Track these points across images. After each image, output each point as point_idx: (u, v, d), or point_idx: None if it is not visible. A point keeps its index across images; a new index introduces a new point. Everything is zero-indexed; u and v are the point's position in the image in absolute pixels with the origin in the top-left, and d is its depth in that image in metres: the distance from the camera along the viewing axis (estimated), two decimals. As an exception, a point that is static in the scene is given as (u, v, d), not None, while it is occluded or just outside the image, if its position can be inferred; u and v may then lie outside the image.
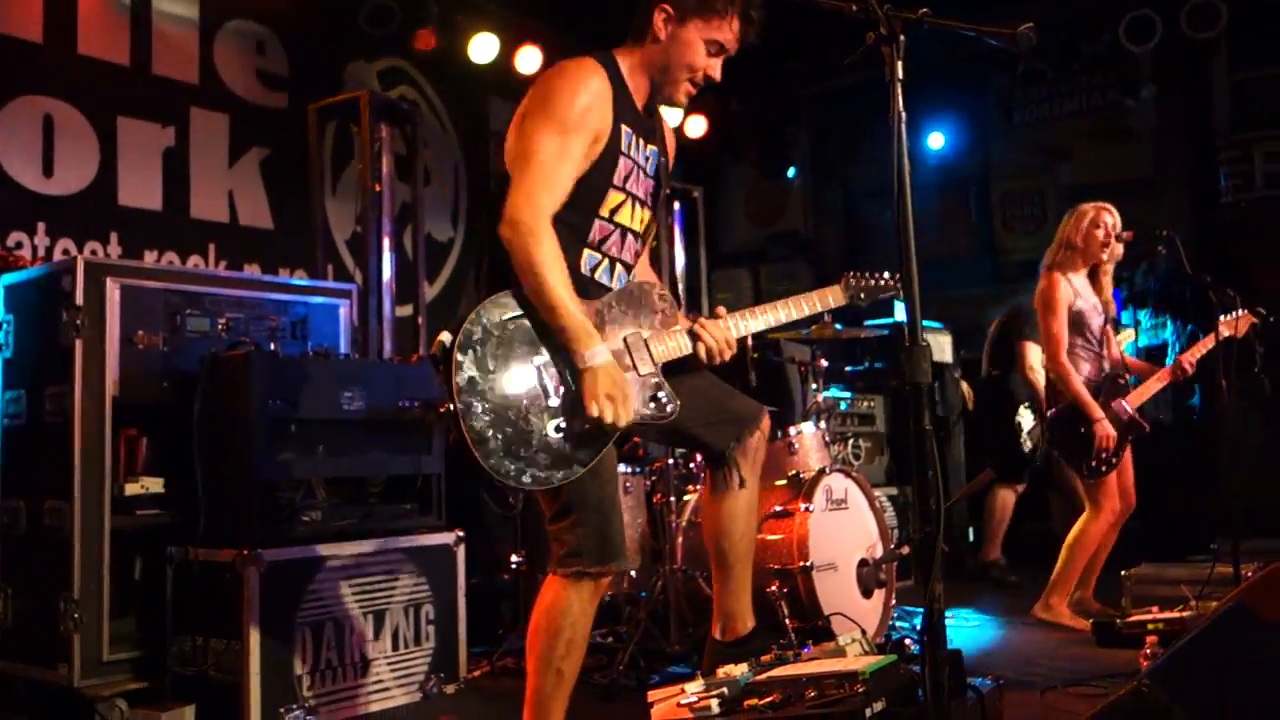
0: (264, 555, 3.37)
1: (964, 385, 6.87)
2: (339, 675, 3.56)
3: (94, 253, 5.24)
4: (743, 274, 9.23)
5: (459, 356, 2.40)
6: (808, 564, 3.99)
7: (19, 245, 5.04)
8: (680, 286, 7.37)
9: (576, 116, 2.50)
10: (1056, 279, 4.71)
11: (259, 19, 6.08)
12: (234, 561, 3.37)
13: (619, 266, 2.69)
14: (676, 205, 7.41)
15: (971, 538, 6.84)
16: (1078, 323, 4.72)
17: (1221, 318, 4.89)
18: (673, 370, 2.71)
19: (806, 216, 9.55)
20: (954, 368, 6.96)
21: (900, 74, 2.02)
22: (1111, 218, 4.77)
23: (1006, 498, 6.12)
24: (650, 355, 2.63)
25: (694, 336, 2.72)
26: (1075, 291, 4.72)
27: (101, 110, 5.38)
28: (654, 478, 4.51)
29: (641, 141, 2.68)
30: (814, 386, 5.06)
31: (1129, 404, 4.69)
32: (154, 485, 3.65)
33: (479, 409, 2.39)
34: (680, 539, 4.30)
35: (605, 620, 4.75)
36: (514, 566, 4.39)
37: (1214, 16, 6.72)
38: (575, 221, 2.57)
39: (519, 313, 2.49)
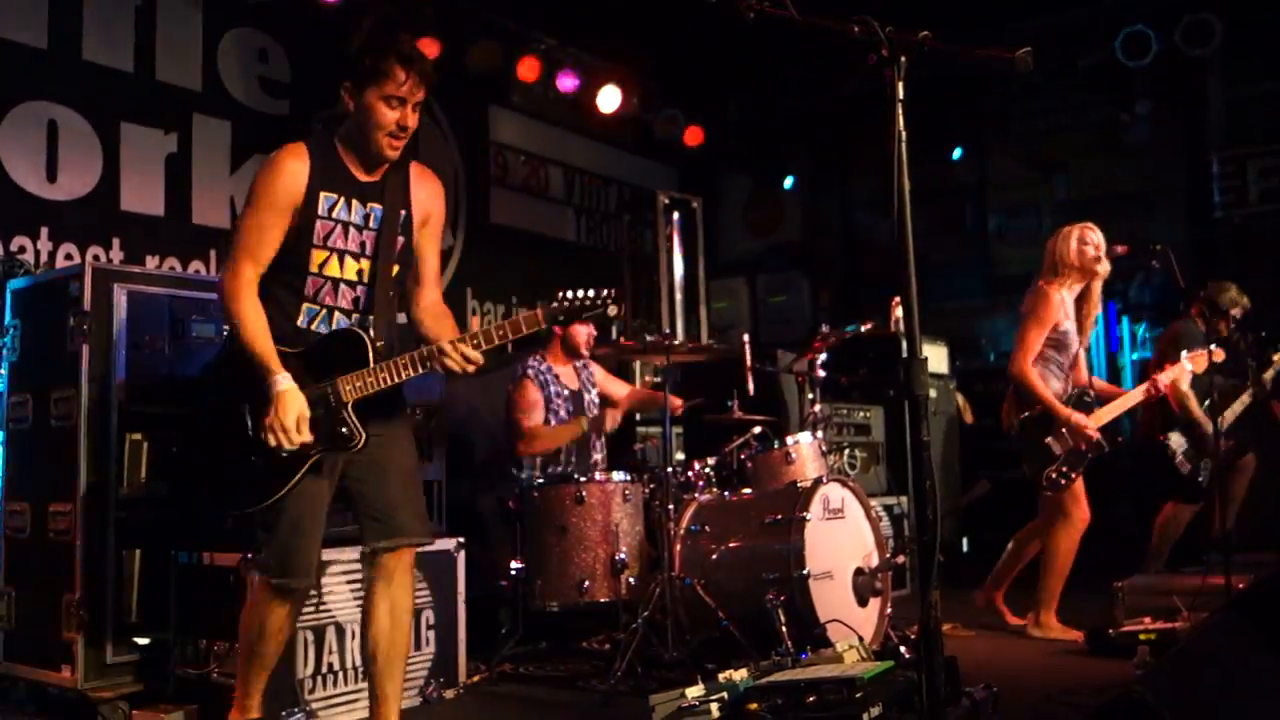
0: (267, 559, 3.39)
1: (959, 397, 6.92)
2: (340, 679, 3.59)
3: (96, 258, 5.27)
4: (740, 284, 9.27)
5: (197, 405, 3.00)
6: (804, 572, 4.02)
7: (22, 250, 5.07)
8: (678, 296, 7.42)
9: (268, 196, 2.93)
10: (1053, 294, 4.76)
11: (262, 27, 6.12)
12: (238, 565, 3.40)
13: (338, 314, 3.00)
14: (675, 215, 7.46)
15: (966, 548, 6.89)
16: (1061, 342, 4.78)
17: (1185, 353, 4.98)
18: (389, 437, 3.01)
19: (804, 227, 9.61)
20: (950, 379, 7.01)
21: (901, 94, 2.07)
22: (1096, 235, 4.82)
23: (1181, 514, 5.80)
24: (339, 392, 2.88)
25: (440, 355, 2.89)
26: (1065, 311, 4.78)
27: (105, 116, 5.42)
28: (653, 485, 4.54)
29: (355, 202, 3.00)
30: (811, 397, 5.10)
31: (1094, 423, 4.74)
32: (158, 489, 3.69)
33: (200, 445, 2.97)
34: (678, 546, 4.34)
35: (603, 627, 4.79)
36: (513, 573, 4.42)
37: (1209, 33, 6.80)
38: (290, 280, 2.96)
39: (237, 364, 2.93)
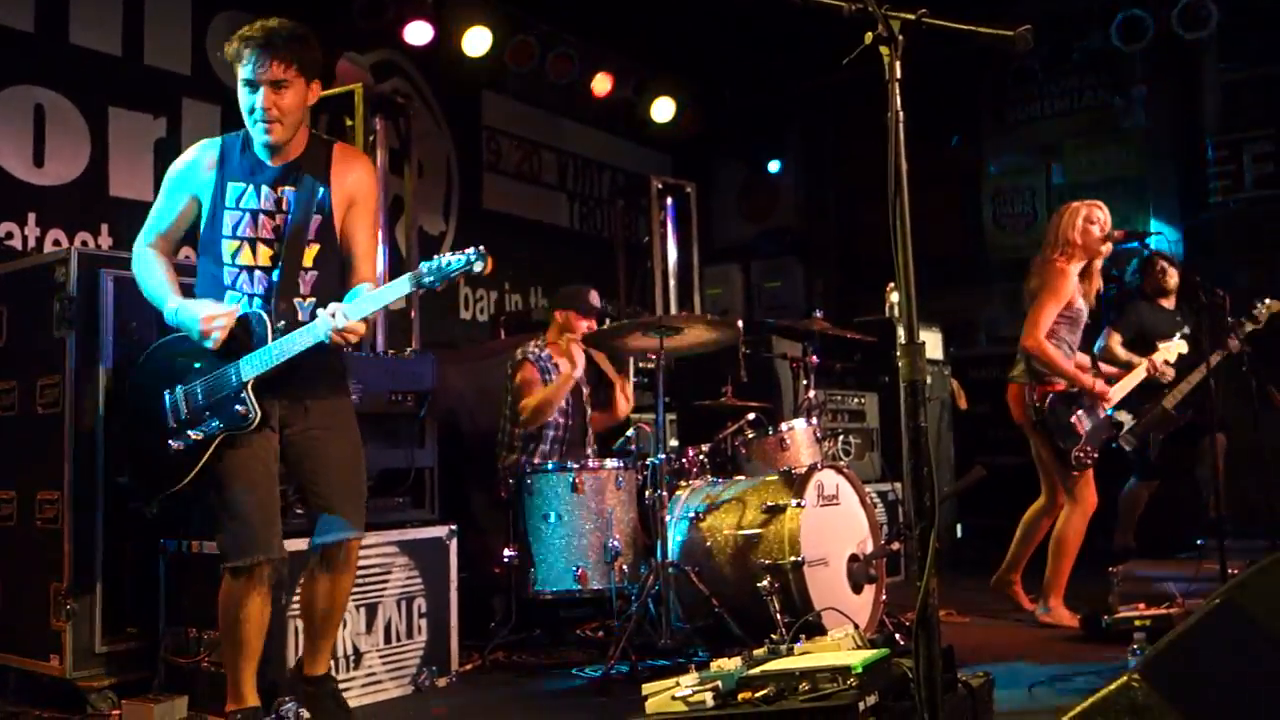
0: (257, 547, 3.36)
1: (954, 383, 6.90)
2: (332, 668, 3.56)
3: (84, 243, 5.23)
4: (734, 270, 9.23)
5: (131, 381, 3.18)
6: (799, 559, 4.00)
7: (9, 236, 5.03)
8: (672, 282, 7.39)
9: (171, 182, 3.13)
10: (1068, 270, 4.70)
11: (251, 10, 6.03)
12: (227, 554, 3.37)
13: (255, 300, 3.06)
14: (669, 201, 7.42)
15: (960, 534, 6.88)
16: (1074, 319, 4.74)
17: (1177, 336, 4.98)
18: (332, 432, 3.11)
19: (798, 212, 9.57)
20: (944, 365, 6.99)
21: (898, 74, 2.03)
22: (1103, 214, 4.79)
23: (1138, 491, 5.96)
24: (240, 371, 2.97)
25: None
26: (1078, 288, 4.74)
27: (93, 100, 5.37)
28: (646, 473, 4.52)
29: (266, 189, 3.07)
30: (805, 383, 5.07)
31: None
32: (147, 477, 3.64)
33: (128, 429, 3.12)
34: (672, 533, 4.31)
35: (597, 615, 4.77)
36: (506, 560, 4.40)
37: (1205, 16, 6.76)
38: (214, 271, 3.07)
39: (154, 346, 3.16)
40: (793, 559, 4.01)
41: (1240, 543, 4.86)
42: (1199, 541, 5.17)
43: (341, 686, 3.44)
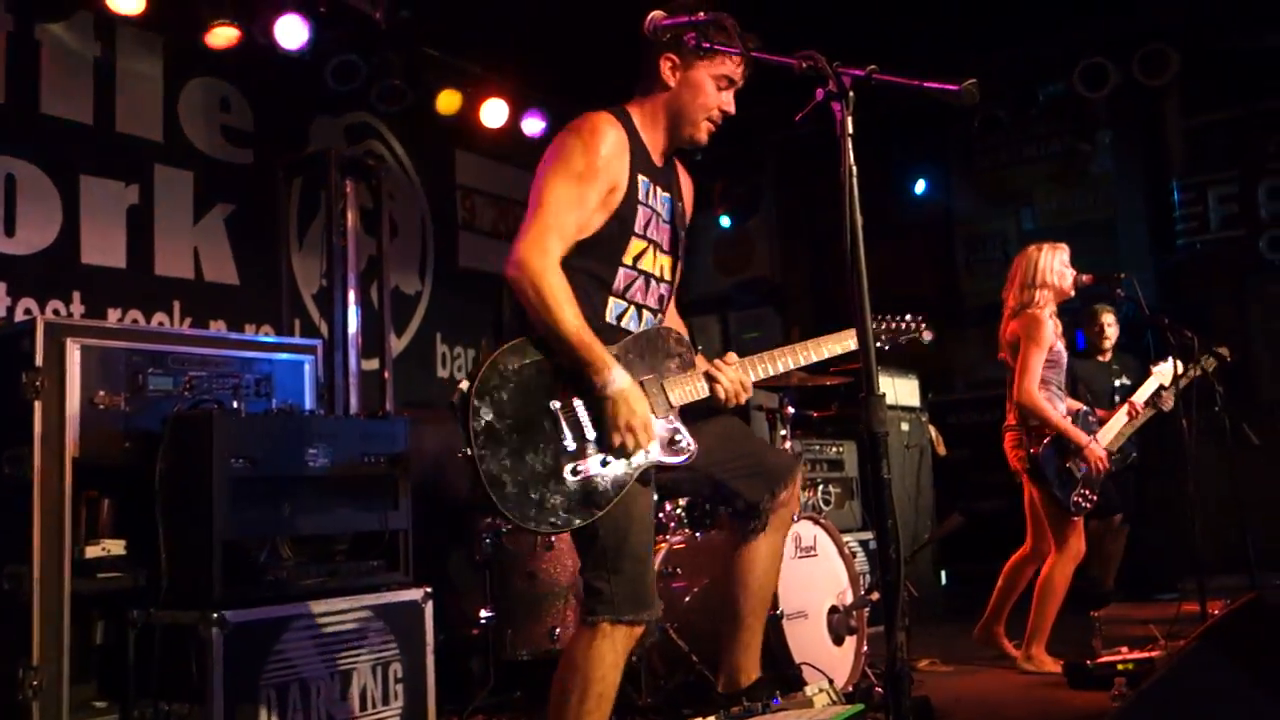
0: (228, 617, 3.32)
1: (932, 430, 6.91)
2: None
3: (56, 312, 5.20)
4: (711, 321, 9.27)
5: (475, 402, 2.46)
6: (777, 612, 3.97)
7: (-20, 305, 5.00)
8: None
9: (592, 167, 2.58)
10: (1043, 317, 4.73)
11: (223, 75, 6.10)
12: (197, 624, 3.32)
13: (645, 312, 2.76)
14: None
15: (943, 581, 6.85)
16: (1056, 362, 4.76)
17: (1152, 368, 5.01)
18: (702, 415, 2.75)
19: (773, 263, 9.63)
20: (922, 411, 7.01)
21: (850, 129, 2.06)
22: (1066, 254, 4.85)
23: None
24: (667, 399, 2.65)
25: (710, 379, 2.74)
26: (1056, 332, 4.78)
27: (64, 169, 5.37)
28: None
29: (658, 189, 2.77)
30: (782, 433, 5.07)
31: (1100, 443, 4.74)
32: (115, 547, 3.61)
33: (496, 453, 2.44)
34: (650, 590, 4.28)
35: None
36: (483, 621, 4.35)
37: (1165, 63, 6.88)
38: (599, 271, 2.66)
39: (537, 357, 2.55)
40: (772, 613, 3.98)
41: (1220, 580, 4.85)
42: (1180, 584, 5.16)
43: (315, 757, 3.38)
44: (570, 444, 2.50)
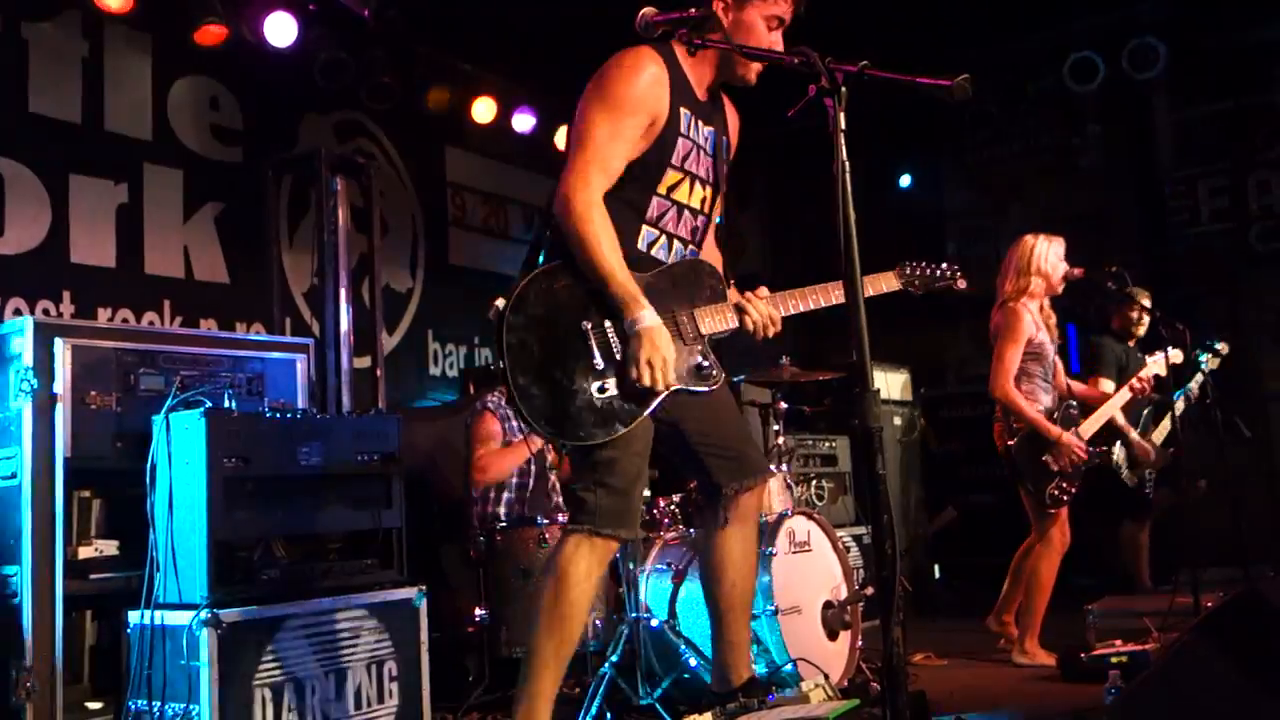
0: (221, 616, 3.31)
1: (923, 423, 6.92)
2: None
3: (46, 312, 5.17)
4: (702, 317, 9.26)
5: (511, 318, 2.60)
6: (772, 608, 3.98)
7: (-32, 306, 4.98)
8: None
9: (632, 99, 2.65)
10: (1021, 310, 4.75)
11: (212, 74, 6.07)
12: (190, 624, 3.31)
13: (676, 242, 2.82)
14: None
15: (937, 575, 6.86)
16: (1038, 354, 4.77)
17: (1147, 359, 5.02)
18: (706, 392, 2.79)
19: (766, 257, 9.63)
20: (914, 406, 7.01)
21: (843, 124, 2.06)
22: (1061, 247, 4.86)
23: (1133, 532, 5.99)
24: (697, 328, 2.73)
25: (740, 311, 2.81)
26: (1036, 323, 4.78)
27: (53, 168, 5.34)
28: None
29: (700, 123, 2.79)
30: (775, 428, 5.07)
31: (1082, 434, 4.75)
32: (108, 548, 3.60)
33: (526, 367, 2.58)
34: (646, 586, 4.28)
35: (571, 671, 4.70)
36: (477, 619, 4.34)
37: (1153, 57, 6.90)
38: (633, 198, 2.72)
39: (572, 280, 2.65)
40: (767, 608, 3.98)
41: (1214, 573, 4.87)
42: (1173, 576, 5.17)
43: (311, 756, 3.37)
44: (599, 363, 2.61)
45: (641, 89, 2.65)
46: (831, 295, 2.94)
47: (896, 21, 6.62)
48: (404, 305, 7.15)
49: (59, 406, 3.53)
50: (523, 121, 7.36)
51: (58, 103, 5.41)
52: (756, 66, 2.80)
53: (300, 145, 6.32)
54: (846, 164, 2.04)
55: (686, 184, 2.79)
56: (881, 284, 3.09)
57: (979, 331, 5.13)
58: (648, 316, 2.58)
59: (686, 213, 2.82)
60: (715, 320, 2.76)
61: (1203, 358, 5.28)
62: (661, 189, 2.75)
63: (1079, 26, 7.14)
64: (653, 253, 2.78)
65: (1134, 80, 7.04)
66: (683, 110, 2.73)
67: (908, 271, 3.11)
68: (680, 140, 2.74)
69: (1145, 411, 5.50)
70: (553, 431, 2.60)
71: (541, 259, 2.74)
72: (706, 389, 2.72)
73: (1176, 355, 5.05)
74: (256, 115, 6.21)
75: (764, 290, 2.87)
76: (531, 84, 7.39)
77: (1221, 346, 5.28)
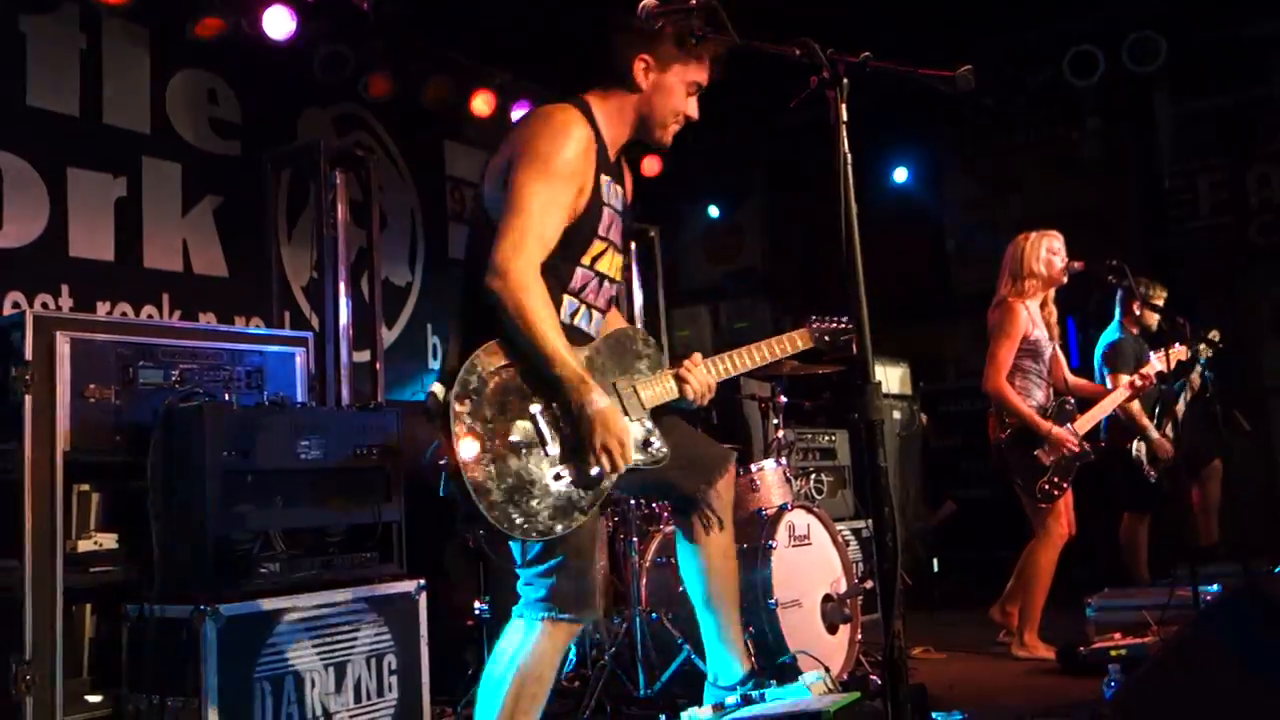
0: (221, 609, 3.31)
1: (923, 418, 6.92)
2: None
3: (45, 305, 5.17)
4: (701, 311, 9.26)
5: (457, 407, 2.38)
6: (772, 602, 3.98)
7: (-33, 299, 4.97)
8: (639, 324, 7.39)
9: (567, 167, 2.52)
10: (1017, 308, 4.77)
11: (211, 67, 6.06)
12: (190, 617, 3.31)
13: (594, 312, 2.72)
14: (633, 245, 7.44)
15: (935, 568, 6.86)
16: (1034, 351, 4.78)
17: (1152, 355, 5.03)
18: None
19: (764, 253, 9.62)
20: (913, 400, 7.01)
21: (845, 116, 2.05)
22: (1060, 243, 4.86)
23: (1135, 525, 5.98)
24: (640, 402, 2.66)
25: (680, 380, 2.76)
26: (1032, 320, 4.79)
27: (51, 162, 5.33)
28: (616, 519, 4.49)
29: (615, 186, 2.72)
30: (774, 422, 5.07)
31: (1077, 430, 4.75)
32: (107, 541, 3.59)
33: (480, 459, 2.39)
34: (645, 579, 4.28)
35: (571, 664, 4.71)
36: (477, 613, 4.34)
37: (1154, 51, 6.89)
38: (559, 268, 2.58)
39: (509, 359, 2.48)
40: (766, 602, 3.99)
41: (1213, 568, 4.87)
42: (1173, 570, 5.18)
43: (311, 749, 3.37)
44: (553, 449, 2.46)
45: (574, 155, 2.53)
46: (756, 356, 2.88)
47: (895, 14, 6.61)
48: (403, 299, 7.15)
49: (58, 400, 3.52)
50: (521, 115, 7.34)
51: (56, 96, 5.40)
52: (673, 128, 2.74)
53: (299, 139, 6.32)
54: (848, 156, 2.03)
55: (609, 253, 2.70)
56: (796, 342, 3.02)
57: (978, 326, 5.13)
58: (598, 399, 2.44)
59: (606, 282, 2.73)
60: (657, 392, 2.68)
61: (1200, 349, 5.28)
62: (586, 259, 2.64)
63: (1079, 20, 7.13)
64: (575, 323, 2.66)
65: (1134, 74, 7.03)
66: (603, 177, 2.65)
67: (816, 328, 3.07)
68: (605, 210, 2.65)
69: (1157, 409, 5.50)
70: (514, 530, 2.42)
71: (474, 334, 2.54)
72: (654, 464, 2.63)
73: (1181, 351, 5.06)
74: (255, 108, 6.21)
75: (698, 356, 2.81)
76: (530, 78, 7.38)
77: (1213, 334, 5.27)
